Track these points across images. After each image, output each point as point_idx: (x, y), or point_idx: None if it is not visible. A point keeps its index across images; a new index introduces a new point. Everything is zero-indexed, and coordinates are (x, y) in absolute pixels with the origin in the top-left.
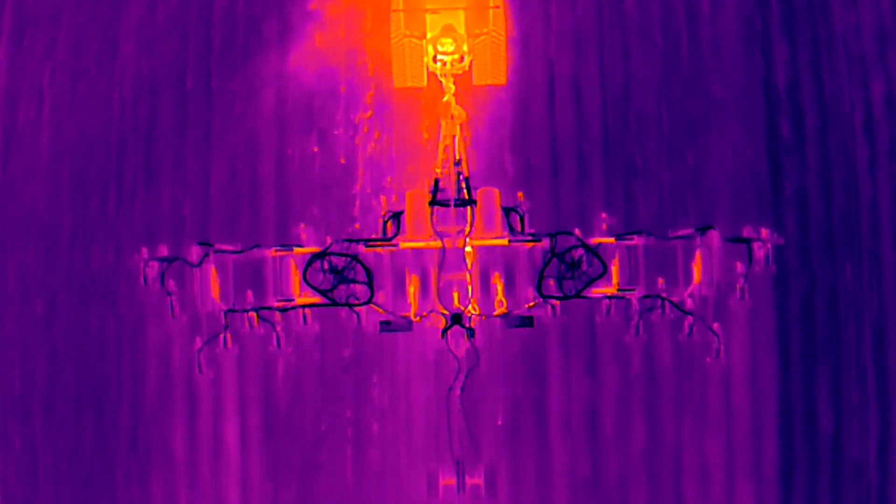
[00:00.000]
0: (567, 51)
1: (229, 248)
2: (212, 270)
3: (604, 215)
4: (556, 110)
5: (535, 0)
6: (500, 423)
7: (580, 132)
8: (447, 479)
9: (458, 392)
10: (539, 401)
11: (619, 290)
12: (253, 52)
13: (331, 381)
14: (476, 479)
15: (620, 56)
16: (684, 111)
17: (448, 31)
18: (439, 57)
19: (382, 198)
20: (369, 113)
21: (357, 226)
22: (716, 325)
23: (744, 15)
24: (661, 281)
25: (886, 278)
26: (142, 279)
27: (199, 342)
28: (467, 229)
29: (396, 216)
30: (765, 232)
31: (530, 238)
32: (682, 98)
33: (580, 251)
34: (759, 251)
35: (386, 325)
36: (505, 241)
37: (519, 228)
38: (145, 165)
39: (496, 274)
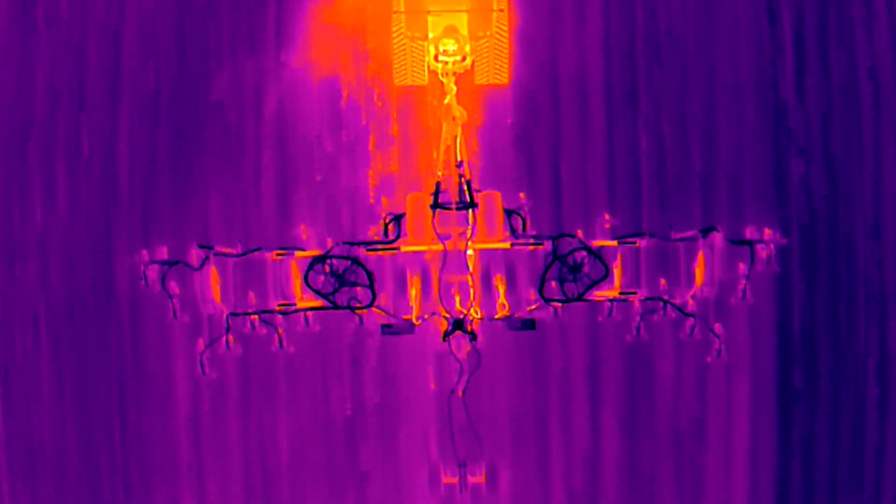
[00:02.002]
0: (571, 50)
1: (230, 250)
2: (213, 272)
3: (607, 216)
4: (560, 110)
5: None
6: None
7: (583, 132)
8: (449, 478)
9: (459, 393)
10: (541, 402)
11: (620, 292)
12: (253, 51)
13: (331, 382)
14: (478, 478)
15: (627, 56)
16: (689, 111)
17: (450, 31)
18: (441, 57)
19: (384, 199)
20: (371, 112)
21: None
22: (717, 326)
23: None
24: (663, 282)
25: (888, 279)
26: (142, 282)
27: (200, 344)
28: (469, 232)
29: (398, 218)
30: (768, 232)
31: (532, 241)
32: (686, 98)
33: (582, 253)
34: (762, 252)
35: (387, 328)
36: (507, 245)
37: (521, 230)
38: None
39: (498, 276)
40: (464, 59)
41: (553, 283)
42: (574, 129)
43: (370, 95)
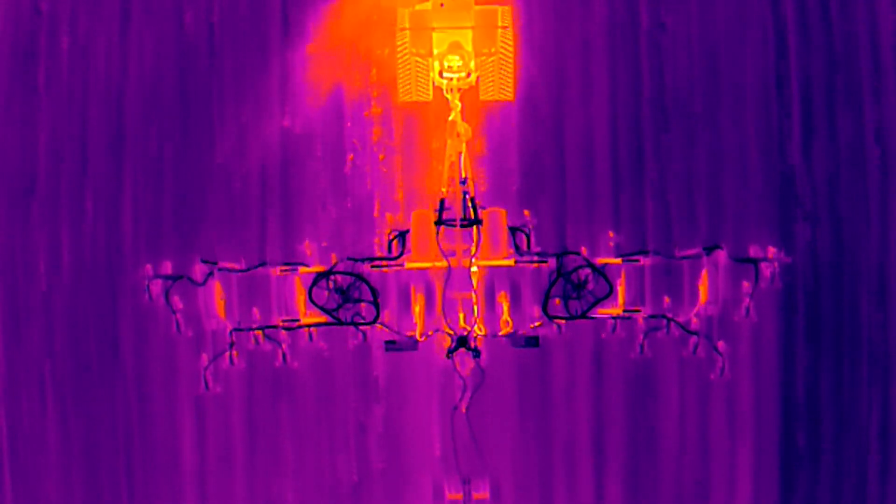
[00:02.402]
0: (577, 67)
1: (234, 265)
2: (216, 287)
3: (611, 233)
4: (564, 127)
5: (544, 15)
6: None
7: (588, 149)
8: (453, 494)
9: (463, 410)
10: (544, 418)
11: (624, 310)
12: (256, 66)
13: (336, 397)
14: (482, 494)
15: (632, 74)
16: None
17: (455, 48)
18: (445, 74)
19: (388, 215)
20: (375, 129)
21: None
22: (721, 343)
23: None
24: (667, 300)
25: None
26: (146, 296)
27: (204, 359)
28: (473, 249)
29: (402, 235)
30: (772, 251)
31: (536, 259)
32: (692, 117)
33: (586, 271)
34: (766, 270)
35: (391, 345)
36: (511, 262)
37: (525, 248)
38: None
39: (502, 293)
40: (468, 75)
41: (557, 301)
42: (579, 148)
43: (375, 111)
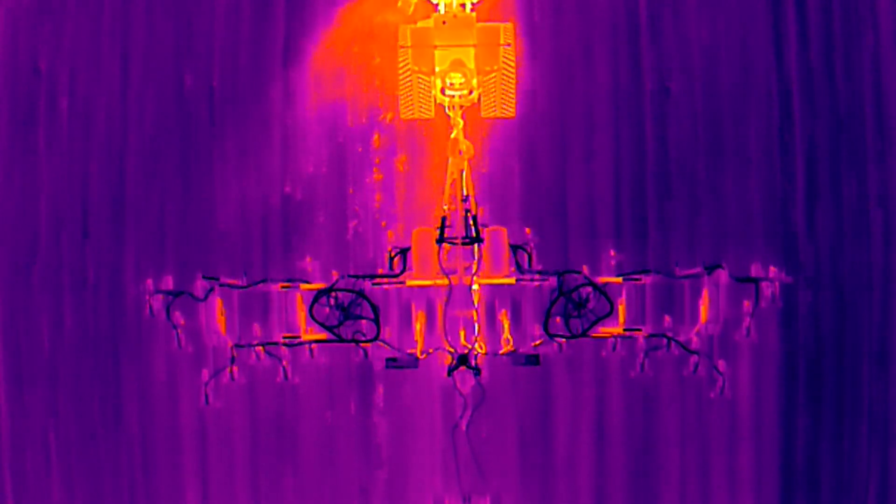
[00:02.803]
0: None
1: (235, 281)
2: (218, 303)
3: (612, 252)
4: (566, 145)
5: (545, 34)
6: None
7: (589, 168)
8: None
9: (463, 427)
10: (544, 436)
11: (625, 329)
12: (259, 84)
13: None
14: None
15: (634, 95)
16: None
17: (457, 65)
18: (448, 92)
19: (389, 233)
20: (377, 146)
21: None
22: (721, 363)
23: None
24: (667, 319)
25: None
26: (147, 310)
27: (205, 374)
28: (474, 268)
29: (403, 252)
30: (773, 270)
31: (538, 277)
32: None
33: (588, 289)
34: (767, 290)
35: (392, 362)
36: (512, 281)
37: (527, 266)
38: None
39: (503, 311)
40: (471, 92)
41: (558, 319)
42: (580, 167)
43: (376, 129)
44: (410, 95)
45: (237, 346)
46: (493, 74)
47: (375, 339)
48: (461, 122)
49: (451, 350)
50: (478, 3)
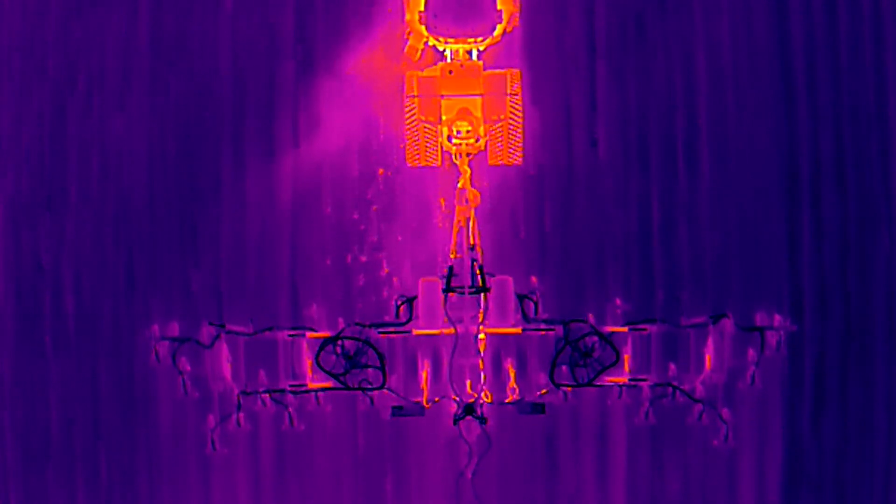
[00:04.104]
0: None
1: (241, 328)
2: (224, 350)
3: (618, 301)
4: (572, 191)
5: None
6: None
7: (595, 214)
8: None
9: (469, 476)
10: (550, 485)
11: (630, 378)
12: (266, 131)
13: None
14: None
15: (637, 137)
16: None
17: (464, 113)
18: (454, 139)
19: (395, 280)
20: (383, 191)
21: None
22: (725, 411)
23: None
24: (672, 367)
25: None
26: (153, 356)
27: (211, 421)
28: (480, 317)
29: (409, 301)
30: (778, 319)
31: (543, 327)
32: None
33: (593, 339)
34: (772, 338)
35: (398, 410)
36: (518, 331)
37: (533, 315)
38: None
39: (509, 361)
40: (477, 139)
41: (564, 368)
42: (586, 216)
43: (382, 177)
44: (417, 143)
45: (243, 392)
46: (500, 124)
47: (381, 387)
48: (468, 170)
49: (457, 398)
50: (484, 50)
